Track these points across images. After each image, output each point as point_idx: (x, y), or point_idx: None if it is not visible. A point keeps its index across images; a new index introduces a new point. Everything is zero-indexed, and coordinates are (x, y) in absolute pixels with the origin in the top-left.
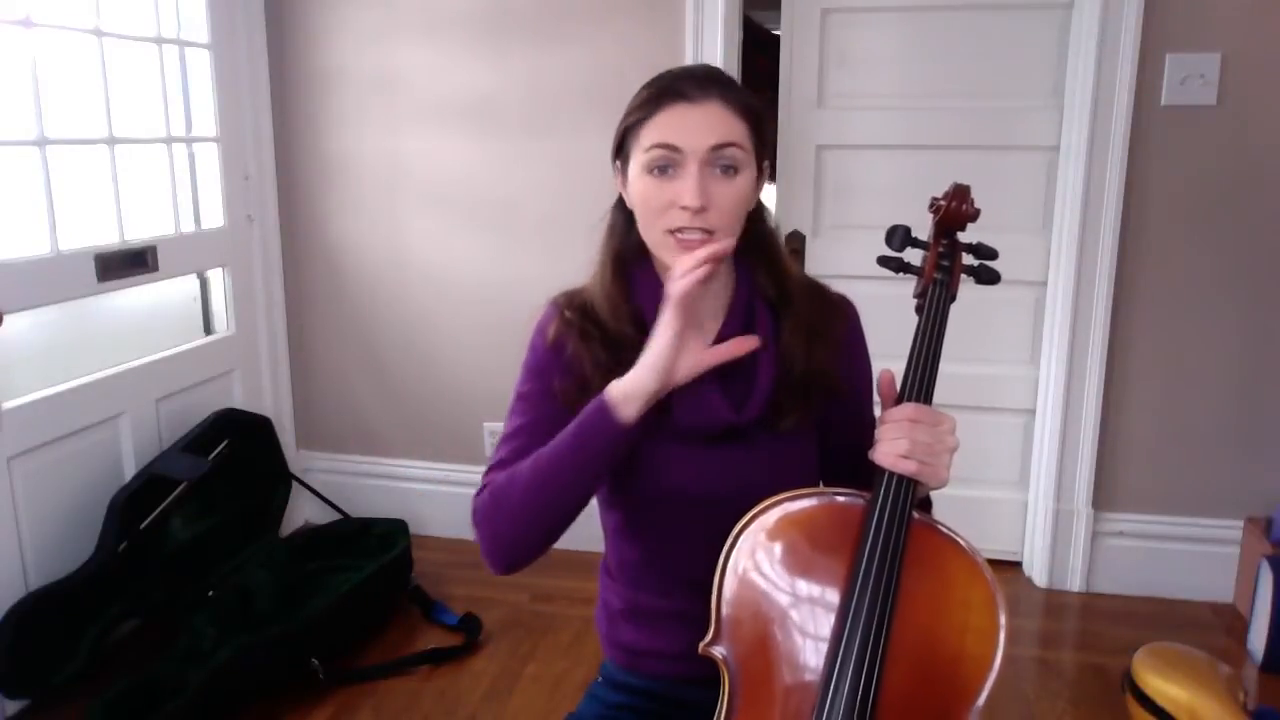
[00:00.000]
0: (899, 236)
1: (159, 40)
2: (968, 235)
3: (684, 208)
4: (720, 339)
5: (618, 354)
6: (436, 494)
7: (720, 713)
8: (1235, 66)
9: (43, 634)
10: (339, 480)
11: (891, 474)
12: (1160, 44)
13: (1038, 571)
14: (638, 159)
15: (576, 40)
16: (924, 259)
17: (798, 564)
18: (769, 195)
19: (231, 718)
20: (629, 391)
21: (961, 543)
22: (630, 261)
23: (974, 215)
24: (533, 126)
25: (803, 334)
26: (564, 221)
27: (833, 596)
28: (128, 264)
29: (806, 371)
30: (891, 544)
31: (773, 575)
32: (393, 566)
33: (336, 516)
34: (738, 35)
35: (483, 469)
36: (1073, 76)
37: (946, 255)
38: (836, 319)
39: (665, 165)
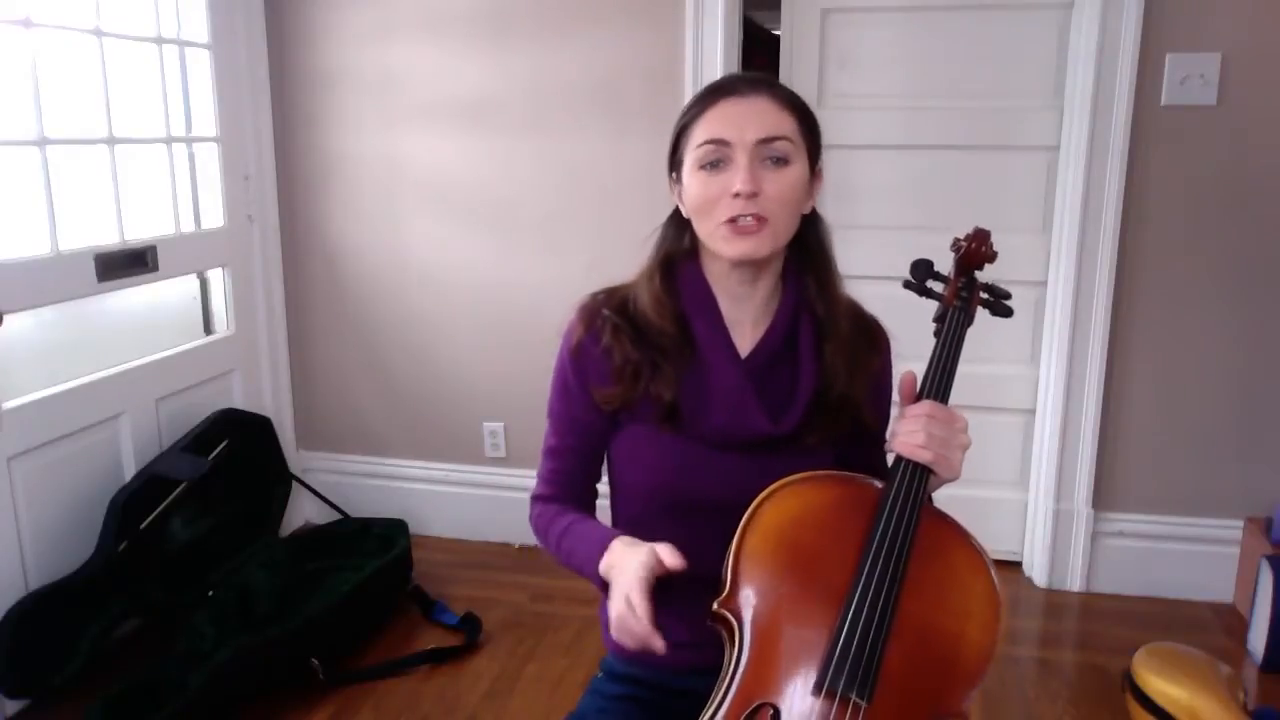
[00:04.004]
0: (923, 270)
1: (159, 40)
2: (985, 275)
3: (735, 194)
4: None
5: (650, 353)
6: (436, 494)
7: (727, 673)
8: (1235, 66)
9: (43, 634)
10: (339, 480)
11: (908, 462)
12: (1160, 44)
13: (1038, 571)
14: (690, 158)
15: (577, 40)
16: (945, 288)
17: (814, 535)
18: None
19: (231, 718)
20: (613, 570)
21: (968, 534)
22: (677, 264)
23: (992, 257)
24: (533, 126)
25: (845, 357)
26: (564, 221)
27: (844, 568)
28: (128, 264)
29: (843, 395)
30: (904, 525)
31: (789, 543)
32: (393, 566)
33: (336, 516)
34: (738, 35)
35: (482, 469)
36: (1073, 76)
37: (965, 289)
38: (874, 350)
39: (716, 160)
